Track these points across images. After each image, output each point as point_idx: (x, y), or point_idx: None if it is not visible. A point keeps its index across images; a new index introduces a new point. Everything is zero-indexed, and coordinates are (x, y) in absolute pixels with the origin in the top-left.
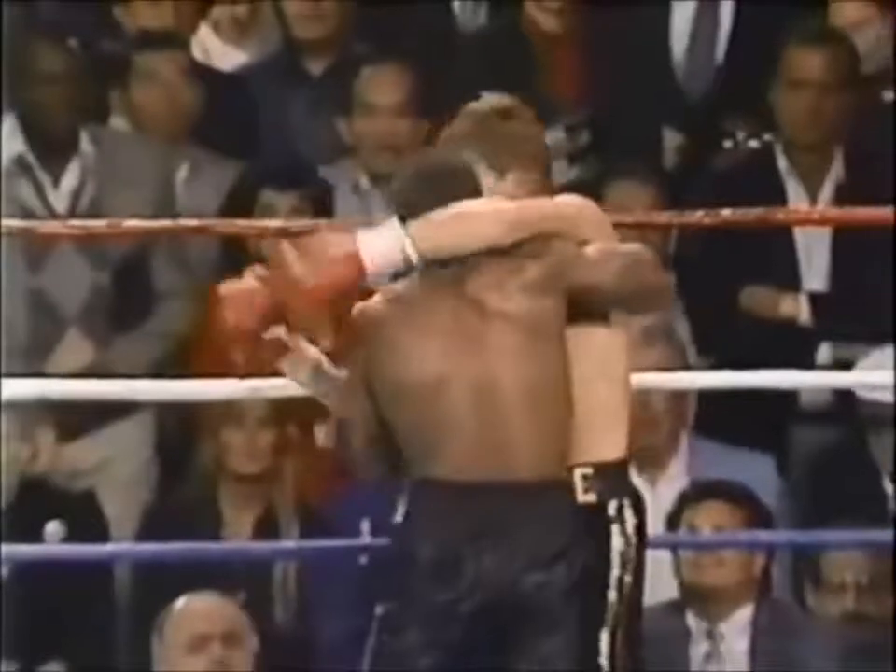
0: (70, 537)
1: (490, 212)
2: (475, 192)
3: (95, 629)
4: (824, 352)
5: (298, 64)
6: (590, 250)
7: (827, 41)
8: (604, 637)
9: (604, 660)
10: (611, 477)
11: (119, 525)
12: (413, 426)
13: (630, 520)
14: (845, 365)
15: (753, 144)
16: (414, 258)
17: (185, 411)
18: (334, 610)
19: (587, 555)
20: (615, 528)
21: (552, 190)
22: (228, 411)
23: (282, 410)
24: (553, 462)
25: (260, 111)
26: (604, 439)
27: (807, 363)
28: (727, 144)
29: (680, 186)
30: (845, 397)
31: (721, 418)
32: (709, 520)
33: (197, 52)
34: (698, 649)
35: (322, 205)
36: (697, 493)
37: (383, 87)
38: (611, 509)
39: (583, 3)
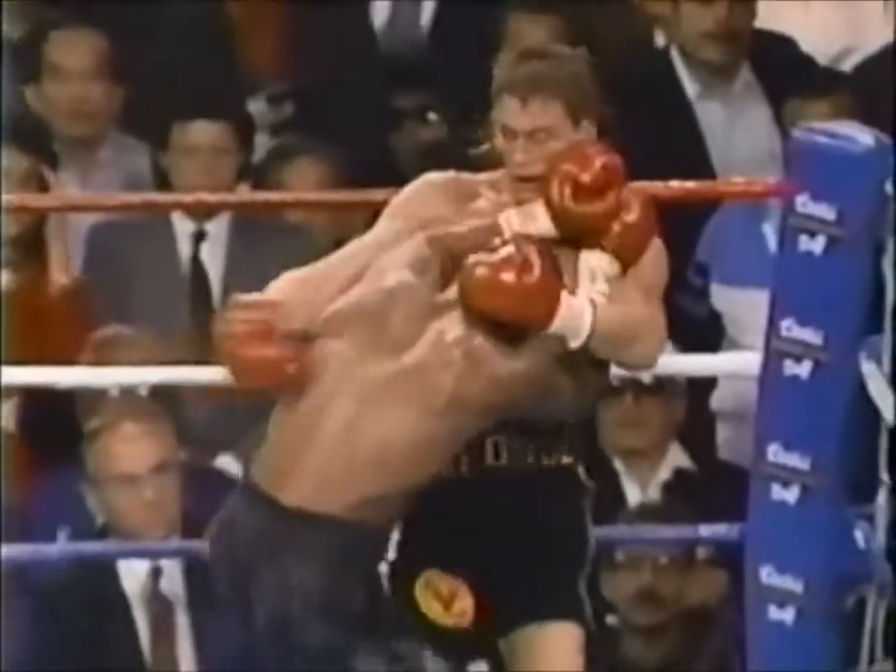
0: None
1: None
2: None
3: None
4: None
5: None
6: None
7: (548, 10)
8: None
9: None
10: (582, 438)
11: None
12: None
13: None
14: None
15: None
16: (580, 341)
17: None
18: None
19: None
20: (587, 489)
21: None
22: None
23: None
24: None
25: None
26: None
27: None
28: (431, 117)
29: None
30: None
31: None
32: None
33: None
34: None
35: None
36: None
37: (73, 50)
38: (581, 470)
39: None
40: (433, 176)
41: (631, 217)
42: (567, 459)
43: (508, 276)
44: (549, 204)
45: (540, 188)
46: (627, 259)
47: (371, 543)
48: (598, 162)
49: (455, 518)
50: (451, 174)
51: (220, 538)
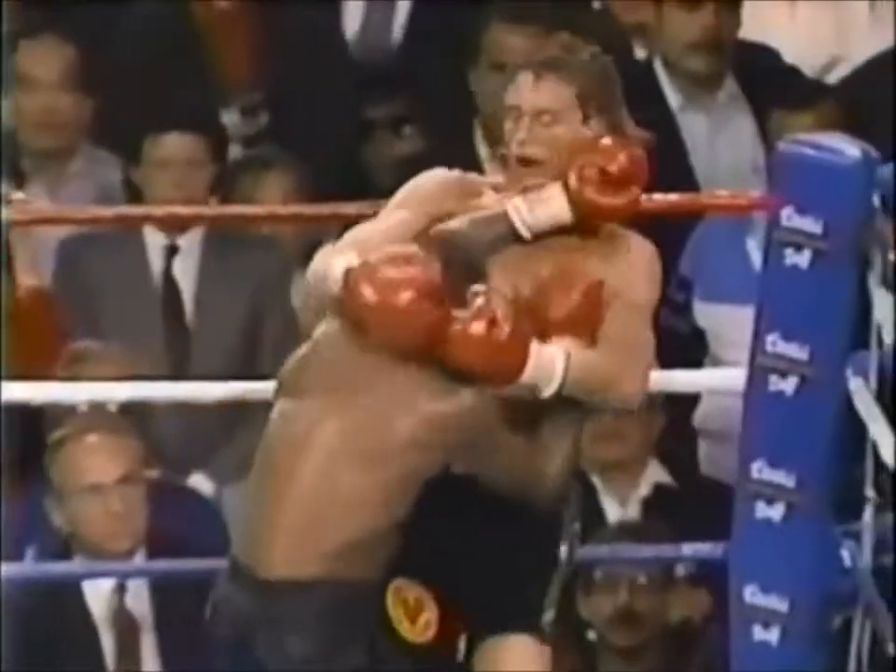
0: None
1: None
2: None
3: None
4: None
5: None
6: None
7: (528, 21)
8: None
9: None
10: None
11: None
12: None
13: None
14: None
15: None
16: (552, 390)
17: None
18: None
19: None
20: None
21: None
22: None
23: None
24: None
25: None
26: None
27: None
28: (406, 131)
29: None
30: None
31: None
32: None
33: None
34: None
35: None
36: None
37: (43, 60)
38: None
39: None
40: (440, 172)
41: (573, 300)
42: None
43: (478, 330)
44: (567, 190)
45: (555, 172)
46: (587, 336)
47: (360, 598)
48: (624, 154)
49: (423, 525)
50: (457, 172)
51: (216, 617)
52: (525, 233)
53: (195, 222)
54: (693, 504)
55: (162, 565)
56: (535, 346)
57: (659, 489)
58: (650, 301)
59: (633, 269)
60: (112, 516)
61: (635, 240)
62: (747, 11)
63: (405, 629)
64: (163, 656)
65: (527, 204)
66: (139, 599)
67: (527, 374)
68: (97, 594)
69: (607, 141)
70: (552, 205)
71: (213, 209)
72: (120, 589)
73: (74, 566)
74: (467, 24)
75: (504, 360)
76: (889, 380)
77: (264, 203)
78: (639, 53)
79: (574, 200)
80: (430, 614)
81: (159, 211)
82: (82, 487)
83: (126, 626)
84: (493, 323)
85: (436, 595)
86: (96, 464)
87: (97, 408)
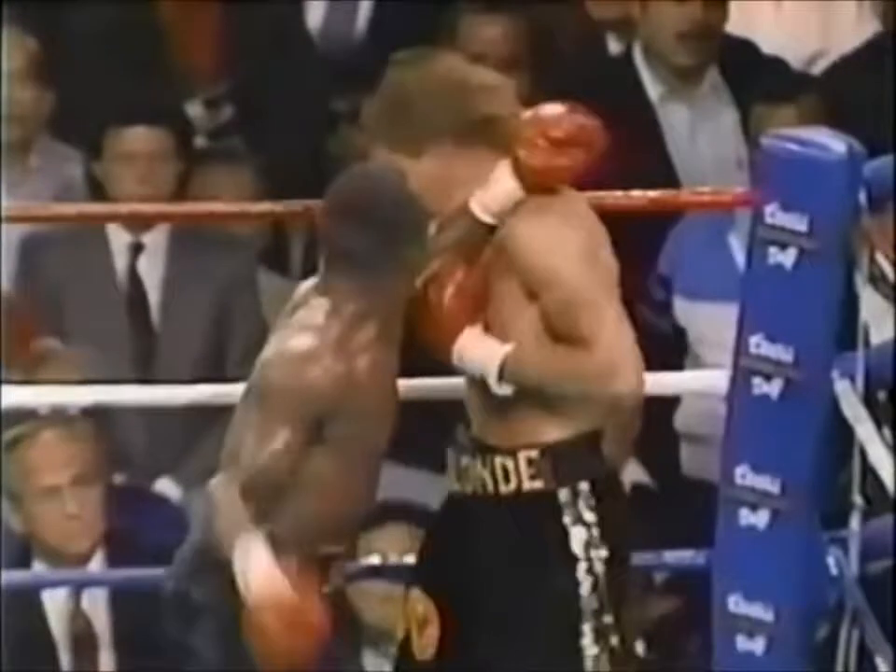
0: None
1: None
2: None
3: None
4: None
5: None
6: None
7: (501, 10)
8: (586, 631)
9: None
10: (564, 459)
11: None
12: None
13: (588, 506)
14: None
15: None
16: (494, 383)
17: None
18: None
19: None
20: (568, 518)
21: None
22: None
23: None
24: None
25: None
26: (552, 417)
27: None
28: None
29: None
30: None
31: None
32: (393, 544)
33: None
34: None
35: None
36: (380, 515)
37: (3, 52)
38: (563, 495)
39: None
40: None
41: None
42: (533, 484)
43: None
44: (515, 163)
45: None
46: None
47: None
48: (569, 118)
49: (440, 543)
50: None
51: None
52: (485, 217)
53: (168, 219)
54: (673, 504)
55: (123, 573)
56: (470, 334)
57: (637, 489)
58: (585, 283)
59: (545, 248)
60: (68, 518)
61: (543, 213)
62: (733, 3)
63: (413, 639)
64: (121, 666)
65: (484, 189)
66: (96, 606)
67: (455, 358)
68: (53, 600)
69: (551, 107)
70: (501, 182)
71: (184, 206)
72: (76, 595)
73: (33, 574)
74: (432, 15)
75: (434, 330)
76: (888, 383)
77: (225, 195)
78: (613, 46)
79: (518, 169)
80: (433, 631)
81: (123, 208)
82: (37, 489)
83: (82, 630)
84: (437, 290)
85: (441, 614)
86: (50, 465)
87: (55, 409)
